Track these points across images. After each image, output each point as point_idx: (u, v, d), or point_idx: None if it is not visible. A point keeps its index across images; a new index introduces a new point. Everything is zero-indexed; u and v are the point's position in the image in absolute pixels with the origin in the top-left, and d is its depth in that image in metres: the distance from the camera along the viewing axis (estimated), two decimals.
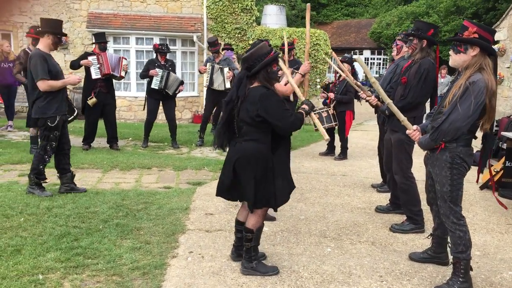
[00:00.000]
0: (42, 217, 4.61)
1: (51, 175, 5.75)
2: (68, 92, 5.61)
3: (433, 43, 4.59)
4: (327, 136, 3.71)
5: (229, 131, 3.61)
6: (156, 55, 8.64)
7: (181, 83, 8.68)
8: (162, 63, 8.54)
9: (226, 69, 8.74)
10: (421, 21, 4.76)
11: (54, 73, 5.30)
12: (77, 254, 3.78)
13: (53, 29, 5.32)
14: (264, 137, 3.49)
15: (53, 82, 5.23)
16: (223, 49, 10.24)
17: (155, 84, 8.38)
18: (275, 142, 3.58)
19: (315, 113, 8.21)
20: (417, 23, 4.64)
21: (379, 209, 5.35)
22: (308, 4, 4.39)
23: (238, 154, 3.52)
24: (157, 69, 8.35)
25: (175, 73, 8.72)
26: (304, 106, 3.70)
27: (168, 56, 8.76)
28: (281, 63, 3.77)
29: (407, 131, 3.73)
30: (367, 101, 5.19)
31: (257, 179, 3.46)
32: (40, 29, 5.38)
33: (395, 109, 3.76)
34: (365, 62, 33.11)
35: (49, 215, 4.65)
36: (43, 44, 5.33)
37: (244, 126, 3.49)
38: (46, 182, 5.49)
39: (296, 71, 8.01)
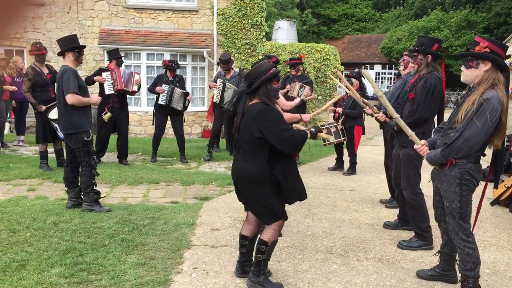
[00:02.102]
0: (49, 232, 4.62)
1: (59, 190, 5.78)
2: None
3: (438, 57, 4.57)
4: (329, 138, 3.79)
5: (232, 140, 3.66)
6: (166, 71, 8.72)
7: (187, 94, 8.70)
8: (170, 79, 8.62)
9: None
10: (425, 36, 4.74)
11: (83, 89, 5.48)
12: (81, 270, 3.77)
13: (69, 45, 5.43)
14: (261, 154, 3.45)
15: (81, 97, 5.38)
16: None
17: (161, 100, 8.49)
18: (275, 158, 3.52)
19: (323, 128, 8.21)
20: (420, 39, 4.63)
21: (387, 225, 5.28)
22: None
23: (237, 174, 3.56)
24: (163, 85, 8.45)
25: (184, 88, 8.77)
26: (312, 128, 3.76)
27: (178, 71, 8.84)
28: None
29: (415, 146, 3.70)
30: (374, 117, 5.16)
31: (260, 197, 3.45)
32: (59, 50, 5.50)
33: (402, 123, 3.74)
34: (376, 77, 33.11)
35: (55, 230, 4.67)
36: (68, 62, 5.45)
37: (243, 144, 3.49)
38: (103, 196, 5.72)
39: (305, 85, 8.05)
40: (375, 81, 33.02)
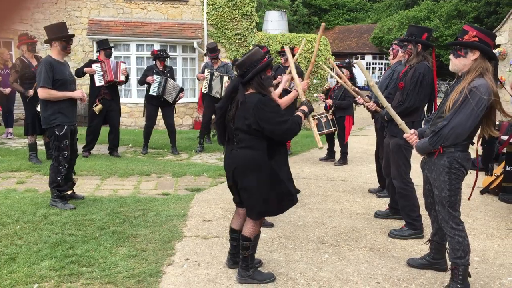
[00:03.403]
0: (38, 225, 4.59)
1: None
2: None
3: (429, 46, 4.57)
4: (320, 144, 3.73)
5: (225, 134, 3.59)
6: (155, 61, 8.65)
7: (181, 90, 8.67)
8: (161, 69, 8.54)
9: (225, 78, 8.68)
10: (415, 26, 4.73)
11: (62, 82, 5.18)
12: (72, 262, 3.75)
13: (57, 34, 5.20)
14: (259, 144, 3.41)
15: (53, 92, 5.11)
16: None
17: (153, 91, 8.39)
18: (272, 148, 3.53)
19: (314, 119, 8.21)
20: (410, 28, 4.62)
21: (378, 215, 5.30)
22: (323, 24, 4.48)
23: (234, 163, 3.47)
24: (154, 76, 8.36)
25: (174, 79, 8.71)
26: (303, 107, 3.69)
27: (168, 62, 8.78)
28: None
29: (404, 135, 3.70)
30: (365, 106, 5.16)
31: (254, 188, 3.41)
32: (47, 38, 5.27)
33: (393, 112, 3.73)
34: (367, 67, 33.14)
35: (45, 223, 4.63)
36: (54, 52, 5.26)
37: (240, 134, 3.42)
38: (68, 194, 5.38)
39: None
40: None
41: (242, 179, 3.46)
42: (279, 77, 8.33)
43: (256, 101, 3.34)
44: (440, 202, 3.48)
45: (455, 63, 3.41)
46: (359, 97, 5.22)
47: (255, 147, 3.41)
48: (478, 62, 3.30)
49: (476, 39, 3.30)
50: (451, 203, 3.43)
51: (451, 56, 3.46)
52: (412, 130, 3.69)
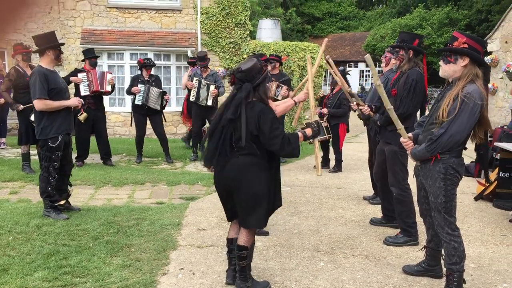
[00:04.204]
0: (31, 235, 4.55)
1: None
2: None
3: (420, 52, 4.61)
4: (319, 172, 3.75)
5: (226, 148, 3.42)
6: (141, 71, 8.65)
7: (164, 93, 8.65)
8: (146, 78, 8.56)
9: (212, 87, 8.65)
10: (406, 32, 4.77)
11: (57, 90, 5.13)
12: (65, 273, 3.72)
13: (51, 43, 5.15)
14: (261, 149, 3.40)
15: (50, 102, 5.05)
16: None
17: (138, 100, 8.45)
18: (270, 158, 3.50)
19: (308, 124, 8.21)
20: (401, 35, 4.66)
21: (373, 222, 5.30)
22: (325, 40, 4.73)
23: (233, 171, 3.40)
24: (139, 85, 8.41)
25: (160, 87, 8.69)
26: (308, 130, 3.68)
27: (162, 71, 8.78)
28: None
29: (401, 139, 3.70)
30: (359, 109, 5.15)
31: (252, 197, 3.37)
32: (37, 47, 5.17)
33: (394, 116, 3.71)
34: (360, 75, 33.31)
35: (39, 233, 4.59)
36: (46, 61, 5.16)
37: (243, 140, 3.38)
38: (62, 205, 5.29)
39: (281, 85, 8.01)
40: (359, 79, 33.23)
41: (241, 185, 3.39)
42: (266, 85, 8.31)
43: (259, 110, 3.36)
44: (435, 208, 3.49)
45: (445, 69, 3.45)
46: (353, 99, 5.24)
47: (256, 153, 3.39)
48: (469, 69, 3.34)
49: (466, 45, 3.35)
50: (446, 209, 3.44)
51: (441, 62, 3.50)
52: (410, 134, 3.71)
